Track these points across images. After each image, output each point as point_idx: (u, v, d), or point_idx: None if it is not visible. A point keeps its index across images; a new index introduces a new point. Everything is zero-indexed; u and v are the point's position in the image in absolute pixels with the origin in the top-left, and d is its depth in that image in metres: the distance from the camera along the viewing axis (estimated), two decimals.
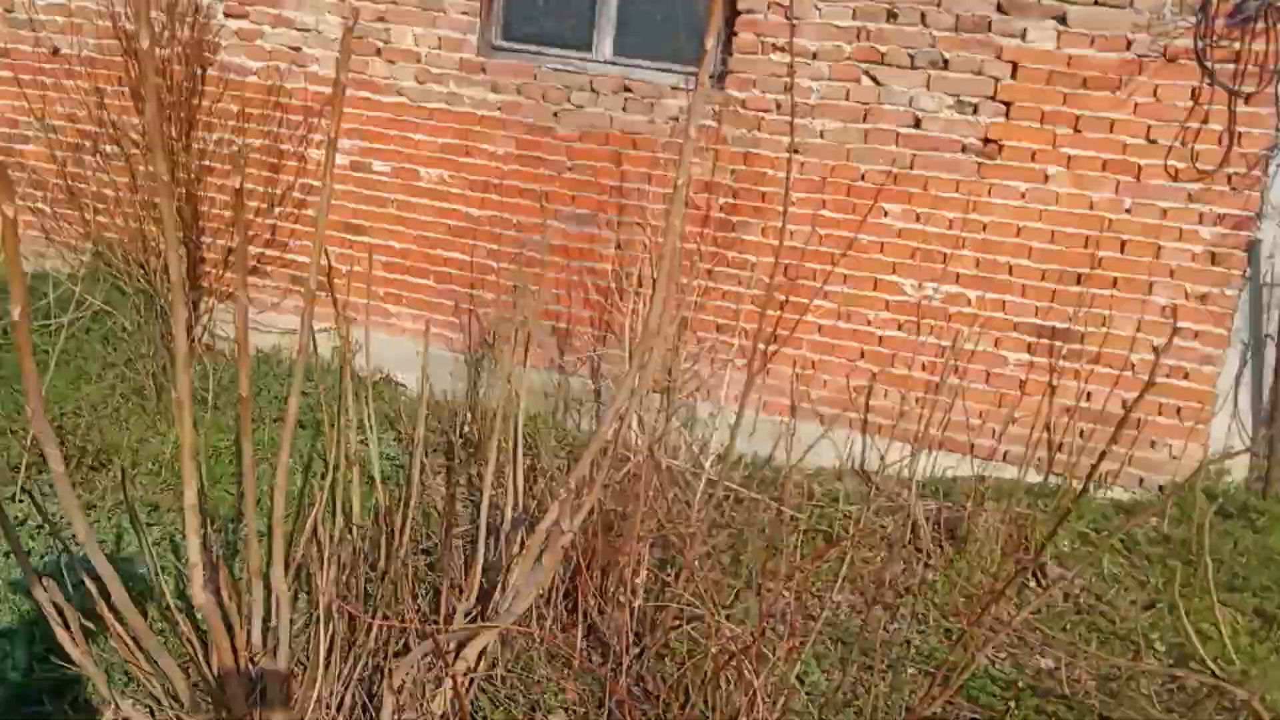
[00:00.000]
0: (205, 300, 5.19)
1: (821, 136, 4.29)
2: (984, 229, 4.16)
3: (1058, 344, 4.15)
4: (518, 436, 2.78)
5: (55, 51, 5.28)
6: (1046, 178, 4.08)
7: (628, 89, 4.51)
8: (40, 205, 5.32)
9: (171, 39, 4.76)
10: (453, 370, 4.88)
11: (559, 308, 4.71)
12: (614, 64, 4.62)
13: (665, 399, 4.10)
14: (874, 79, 4.21)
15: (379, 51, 4.82)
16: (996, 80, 4.08)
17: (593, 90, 4.55)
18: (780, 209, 3.95)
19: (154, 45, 4.50)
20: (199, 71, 4.99)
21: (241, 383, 1.80)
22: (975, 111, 4.11)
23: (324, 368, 4.59)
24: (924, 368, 4.28)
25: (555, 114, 4.60)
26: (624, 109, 4.52)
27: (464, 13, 4.69)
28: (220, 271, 5.15)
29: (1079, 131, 4.02)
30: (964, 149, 4.14)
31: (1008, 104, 4.08)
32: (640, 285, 4.34)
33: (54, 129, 5.14)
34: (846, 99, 4.25)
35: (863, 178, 4.26)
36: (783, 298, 4.28)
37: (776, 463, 4.24)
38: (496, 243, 4.73)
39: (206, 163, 5.02)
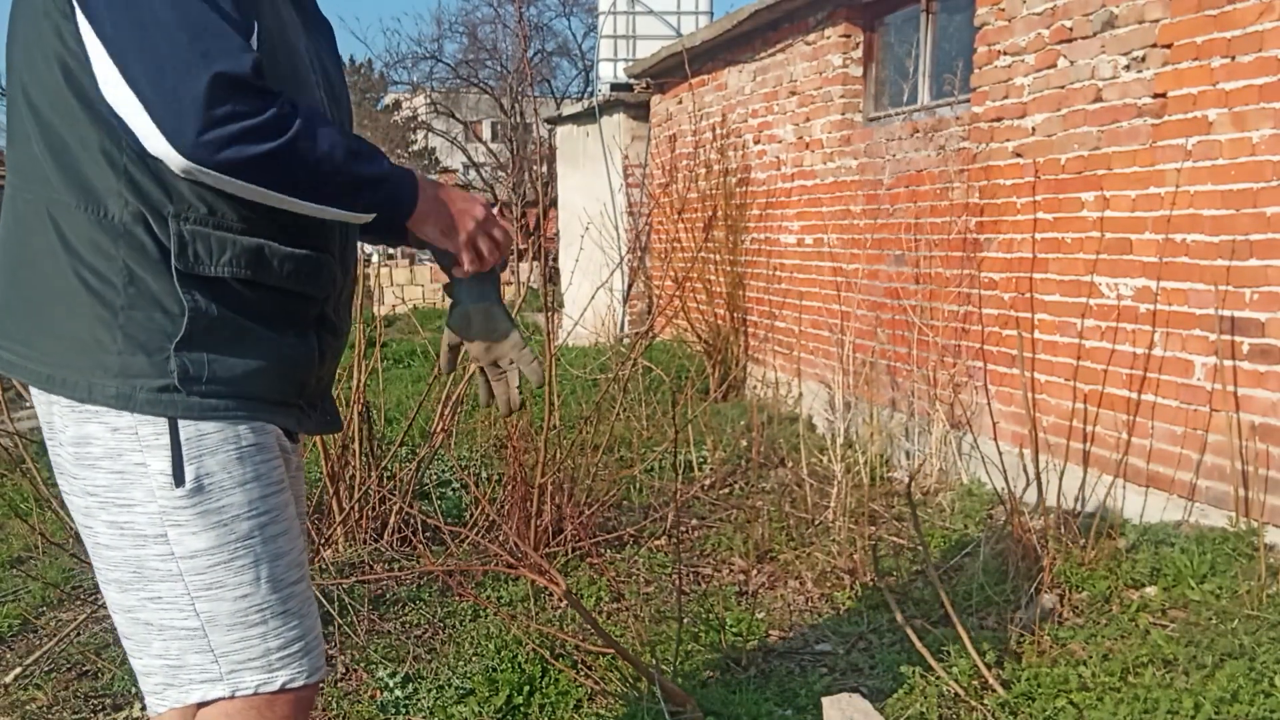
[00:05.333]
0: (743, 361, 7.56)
1: (1034, 133, 4.56)
2: (1160, 203, 3.90)
3: (1239, 339, 3.58)
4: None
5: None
6: (1209, 124, 3.69)
7: (916, 129, 5.42)
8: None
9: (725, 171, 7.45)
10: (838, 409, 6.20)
11: (889, 347, 5.69)
12: (926, 109, 5.55)
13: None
14: (1069, 60, 4.37)
15: (808, 145, 6.64)
16: (1157, 22, 3.90)
17: (898, 138, 5.58)
18: (1011, 219, 4.49)
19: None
20: (744, 189, 7.57)
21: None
22: (1143, 63, 3.96)
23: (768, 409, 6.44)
24: (1125, 382, 4.08)
25: (883, 167, 5.75)
26: (916, 149, 5.43)
27: (841, 96, 6.22)
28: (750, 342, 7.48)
29: (1232, 58, 3.58)
30: (1139, 112, 3.99)
31: (1169, 46, 3.85)
32: (933, 316, 5.24)
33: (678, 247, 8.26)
34: (1048, 87, 4.47)
35: (1063, 167, 4.38)
36: (1014, 314, 4.61)
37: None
38: (860, 291, 5.98)
39: (745, 258, 7.48)
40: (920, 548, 3.70)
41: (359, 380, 4.02)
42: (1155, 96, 3.92)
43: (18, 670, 3.10)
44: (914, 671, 2.85)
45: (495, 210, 1.63)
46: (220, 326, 1.41)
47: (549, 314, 4.24)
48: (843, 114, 6.24)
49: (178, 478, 1.41)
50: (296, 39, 1.51)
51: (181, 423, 1.41)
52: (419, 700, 2.85)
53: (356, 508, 4.00)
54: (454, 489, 4.61)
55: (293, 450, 1.64)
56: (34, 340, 1.43)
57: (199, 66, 1.25)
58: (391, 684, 2.93)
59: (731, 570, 3.95)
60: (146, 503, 1.41)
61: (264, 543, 1.47)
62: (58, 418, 1.44)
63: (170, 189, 1.37)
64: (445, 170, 31.48)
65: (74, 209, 1.38)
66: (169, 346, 1.39)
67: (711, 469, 5.23)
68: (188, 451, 1.41)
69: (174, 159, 1.27)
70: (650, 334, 6.49)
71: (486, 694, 2.79)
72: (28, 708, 2.92)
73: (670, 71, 8.56)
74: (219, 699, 1.47)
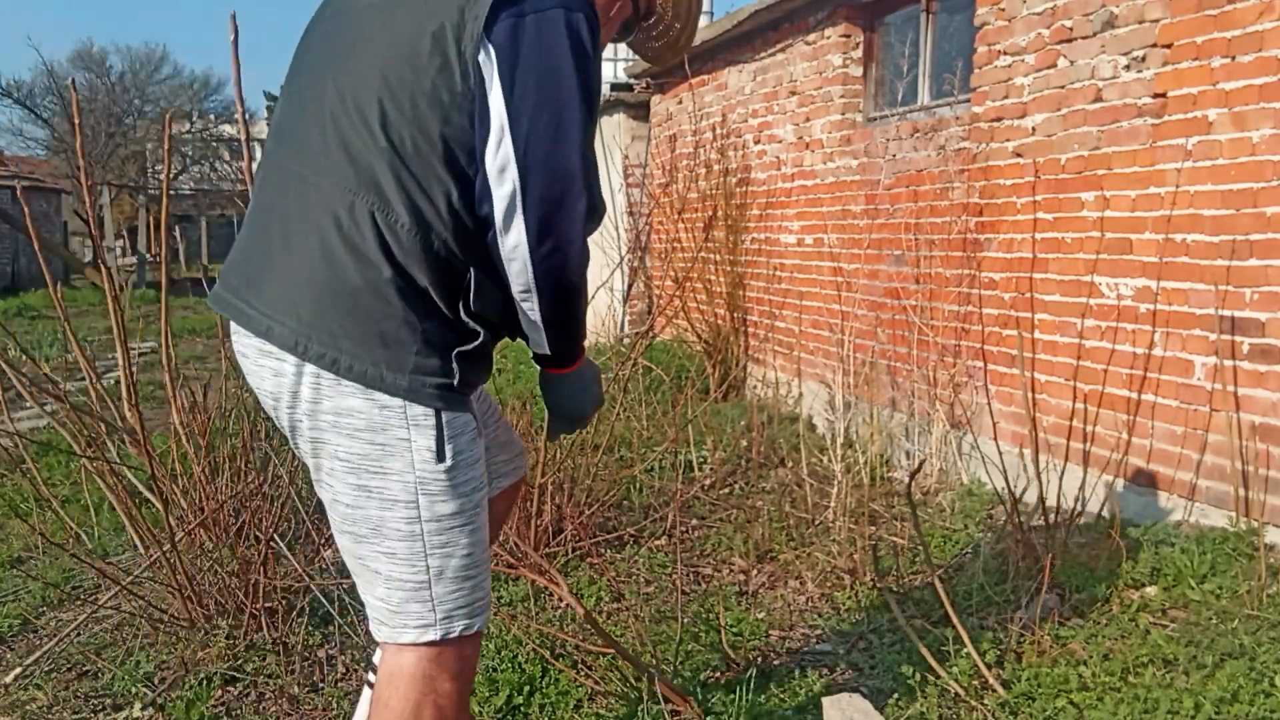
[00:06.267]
0: (743, 360, 7.56)
1: (1034, 133, 4.56)
2: (1160, 203, 3.90)
3: (1239, 339, 3.58)
4: None
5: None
6: (1209, 124, 3.69)
7: (916, 129, 5.42)
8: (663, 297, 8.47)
9: (726, 171, 7.45)
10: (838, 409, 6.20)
11: (889, 347, 5.69)
12: (926, 109, 5.55)
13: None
14: (1069, 60, 4.37)
15: (808, 145, 6.63)
16: (1157, 22, 3.90)
17: (897, 138, 5.58)
18: (1011, 219, 4.48)
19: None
20: (744, 189, 7.56)
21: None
22: (1143, 63, 3.96)
23: (768, 408, 6.44)
24: (1125, 382, 4.08)
25: (882, 167, 5.75)
26: (915, 149, 5.43)
27: (841, 96, 6.22)
28: (752, 342, 7.48)
29: (1232, 58, 3.58)
30: (1139, 112, 3.99)
31: (1169, 46, 3.85)
32: (933, 316, 5.24)
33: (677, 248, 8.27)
34: (1048, 87, 4.47)
35: (1063, 167, 4.38)
36: (1014, 314, 4.61)
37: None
38: (860, 291, 5.98)
39: (745, 258, 7.47)
40: (920, 548, 3.70)
41: None
42: (1155, 96, 3.92)
43: (18, 670, 3.10)
44: (914, 671, 2.85)
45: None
46: (479, 347, 1.70)
47: None
48: (843, 114, 6.24)
49: (440, 454, 1.67)
50: None
51: (444, 412, 1.67)
52: None
53: None
54: None
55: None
56: (316, 320, 1.63)
57: (580, 204, 1.63)
58: None
59: (731, 570, 3.95)
60: (404, 473, 1.67)
61: (481, 510, 1.76)
62: (318, 388, 1.65)
63: (472, 248, 1.66)
64: None
65: (407, 230, 1.61)
66: (451, 356, 1.67)
67: (711, 469, 5.23)
68: (449, 433, 1.68)
69: (522, 256, 1.62)
70: (650, 334, 6.49)
71: (486, 694, 2.79)
72: (28, 708, 2.92)
73: (670, 71, 8.56)
74: (430, 642, 1.72)
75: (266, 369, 1.69)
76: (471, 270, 1.66)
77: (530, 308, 1.69)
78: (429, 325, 1.65)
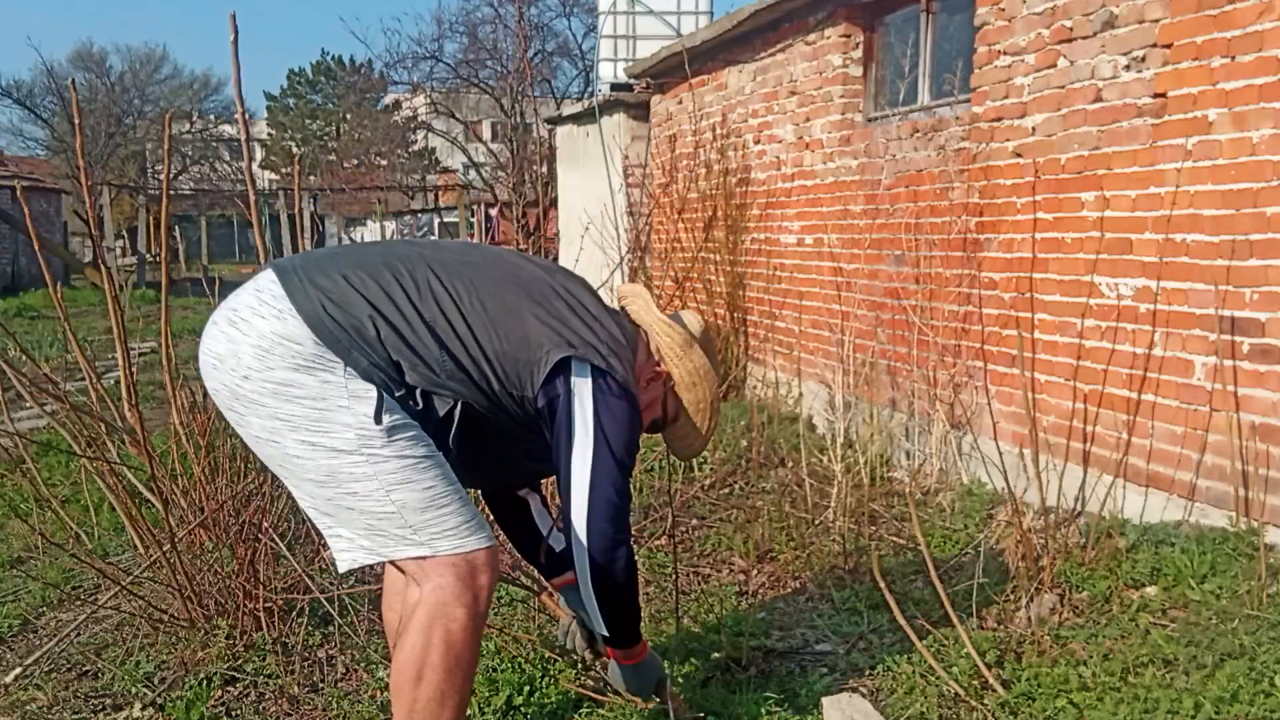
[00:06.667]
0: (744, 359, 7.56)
1: (1034, 133, 4.56)
2: (1160, 203, 3.90)
3: (1239, 339, 3.58)
4: None
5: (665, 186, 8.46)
6: (1209, 124, 3.69)
7: (916, 129, 5.42)
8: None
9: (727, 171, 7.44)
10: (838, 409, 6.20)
11: (889, 347, 5.69)
12: (926, 109, 5.55)
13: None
14: (1069, 60, 4.36)
15: (808, 145, 6.63)
16: (1157, 22, 3.90)
17: (898, 138, 5.58)
18: (1011, 219, 4.48)
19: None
20: (744, 189, 7.56)
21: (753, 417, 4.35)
22: (1143, 63, 3.96)
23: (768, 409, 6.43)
24: (1125, 382, 4.07)
25: (882, 167, 5.75)
26: (915, 149, 5.43)
27: (841, 96, 6.22)
28: (753, 342, 7.47)
29: (1232, 58, 3.58)
30: (1139, 112, 3.99)
31: (1169, 46, 3.86)
32: (933, 316, 5.24)
33: (678, 248, 8.26)
34: (1048, 87, 4.47)
35: (1063, 167, 4.38)
36: (1014, 314, 4.61)
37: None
38: (860, 291, 5.97)
39: (745, 258, 7.47)
40: (920, 548, 3.70)
41: None
42: (1155, 96, 3.92)
43: (18, 670, 3.10)
44: (914, 671, 2.85)
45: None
46: (414, 409, 2.08)
47: None
48: (843, 114, 6.23)
49: (378, 418, 1.96)
50: None
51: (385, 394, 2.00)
52: None
53: None
54: None
55: None
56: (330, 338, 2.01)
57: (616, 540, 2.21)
58: None
59: (731, 570, 3.95)
60: (345, 429, 1.96)
61: (437, 463, 2.04)
62: (267, 359, 1.98)
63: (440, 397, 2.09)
64: (445, 170, 31.44)
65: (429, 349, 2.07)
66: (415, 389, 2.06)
67: (711, 469, 5.23)
68: (388, 405, 1.99)
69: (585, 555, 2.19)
70: None
71: (486, 694, 2.79)
72: (28, 708, 2.92)
73: (670, 71, 8.56)
74: (421, 557, 2.00)
75: (223, 335, 2.04)
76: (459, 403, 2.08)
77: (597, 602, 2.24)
78: (393, 372, 2.04)
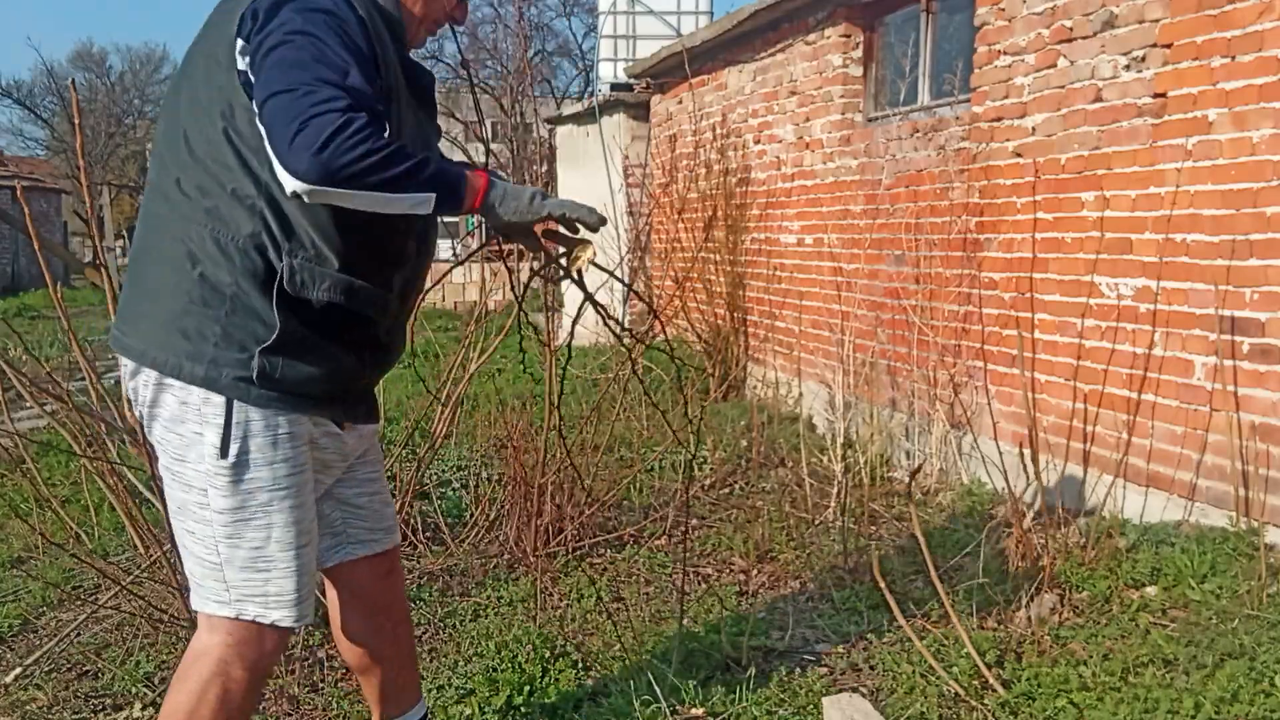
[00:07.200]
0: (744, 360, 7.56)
1: (1034, 133, 4.56)
2: (1160, 203, 3.90)
3: (1239, 339, 3.58)
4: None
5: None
6: (1209, 124, 3.69)
7: (916, 129, 5.42)
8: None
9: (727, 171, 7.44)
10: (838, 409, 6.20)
11: (889, 347, 5.69)
12: (926, 109, 5.55)
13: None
14: (1069, 60, 4.37)
15: (808, 145, 6.63)
16: (1157, 22, 3.91)
17: (898, 138, 5.58)
18: (1011, 219, 4.48)
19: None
20: (744, 189, 7.55)
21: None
22: (1143, 63, 3.96)
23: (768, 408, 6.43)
24: (1125, 382, 4.07)
25: (882, 167, 5.75)
26: (915, 149, 5.43)
27: (841, 96, 6.22)
28: (753, 342, 7.47)
29: (1232, 58, 3.59)
30: (1139, 112, 4.00)
31: (1169, 45, 3.86)
32: (933, 316, 5.24)
33: (678, 249, 8.26)
34: (1048, 87, 4.47)
35: (1063, 167, 4.38)
36: (1015, 314, 4.60)
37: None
38: (860, 291, 5.97)
39: (745, 258, 7.47)
40: (920, 548, 3.70)
41: None
42: (1155, 96, 3.92)
43: (18, 670, 3.10)
44: (914, 671, 2.85)
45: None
46: (299, 340, 1.84)
47: (549, 314, 4.24)
48: (843, 114, 6.23)
49: (223, 451, 1.83)
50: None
51: (236, 405, 1.82)
52: None
53: None
54: (454, 489, 4.61)
55: (352, 430, 2.07)
56: (140, 324, 1.88)
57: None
58: None
59: (731, 570, 3.95)
60: (198, 463, 1.85)
61: (279, 512, 1.89)
62: (142, 388, 1.88)
63: (290, 229, 1.81)
64: None
65: (206, 231, 1.81)
66: (255, 349, 1.81)
67: (712, 469, 5.23)
68: (235, 433, 1.83)
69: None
70: (650, 334, 6.49)
71: (486, 694, 2.79)
72: (28, 708, 2.93)
73: (670, 71, 8.56)
74: (225, 617, 1.90)
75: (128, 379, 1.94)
76: (284, 257, 1.81)
77: (365, 197, 1.71)
78: (233, 320, 1.82)
